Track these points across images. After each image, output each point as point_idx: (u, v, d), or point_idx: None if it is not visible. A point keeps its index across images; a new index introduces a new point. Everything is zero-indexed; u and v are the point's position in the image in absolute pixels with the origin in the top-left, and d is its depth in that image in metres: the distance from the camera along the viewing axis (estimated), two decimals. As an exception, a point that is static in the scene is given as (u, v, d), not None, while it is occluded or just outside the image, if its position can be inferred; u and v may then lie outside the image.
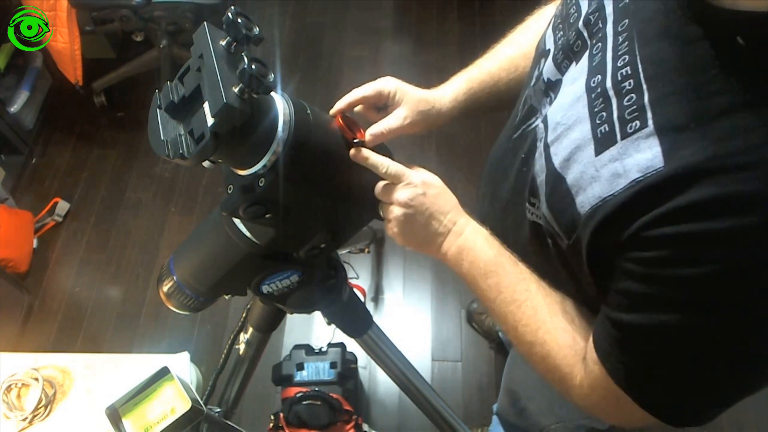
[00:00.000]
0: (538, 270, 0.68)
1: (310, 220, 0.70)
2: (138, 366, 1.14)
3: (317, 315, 0.94)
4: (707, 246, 0.45)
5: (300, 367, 1.44)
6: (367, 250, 1.98)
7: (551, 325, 0.64)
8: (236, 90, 0.51)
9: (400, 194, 0.68)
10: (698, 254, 0.46)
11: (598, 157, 0.53)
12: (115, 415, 0.84)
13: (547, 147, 0.61)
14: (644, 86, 0.50)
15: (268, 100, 0.59)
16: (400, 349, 1.07)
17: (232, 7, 0.55)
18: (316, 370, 1.44)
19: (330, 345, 1.49)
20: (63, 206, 2.19)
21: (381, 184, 0.70)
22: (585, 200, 0.54)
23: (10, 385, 1.10)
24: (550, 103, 0.65)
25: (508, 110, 0.83)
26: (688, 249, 0.46)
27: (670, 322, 0.49)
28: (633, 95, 0.51)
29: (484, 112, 0.83)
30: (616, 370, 0.56)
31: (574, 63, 0.62)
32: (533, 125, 0.69)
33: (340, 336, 1.11)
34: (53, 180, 2.30)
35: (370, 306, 1.94)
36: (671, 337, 0.50)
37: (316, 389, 1.36)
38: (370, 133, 0.71)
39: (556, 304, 0.65)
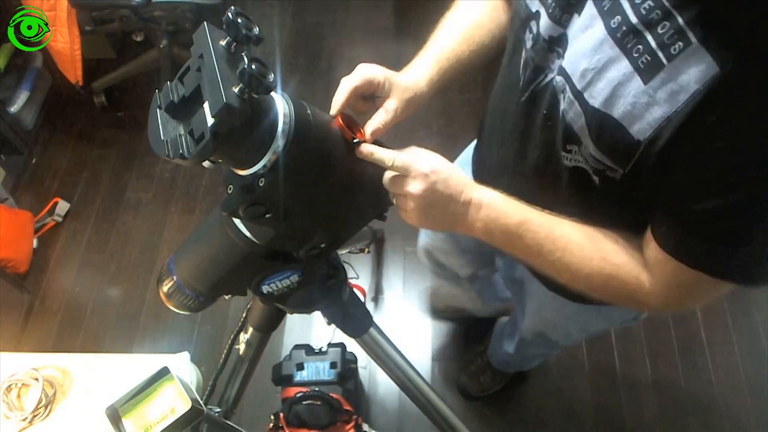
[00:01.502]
0: (578, 215, 0.72)
1: (310, 220, 0.69)
2: (138, 366, 1.14)
3: (317, 315, 0.94)
4: None
5: (300, 367, 1.44)
6: (367, 250, 1.98)
7: (602, 253, 0.69)
8: (236, 90, 0.51)
9: (413, 187, 0.69)
10: None
11: (648, 84, 0.57)
12: (115, 415, 0.84)
13: (579, 95, 0.64)
14: (674, 12, 0.55)
15: (268, 100, 0.59)
16: (400, 349, 1.07)
17: (232, 7, 0.55)
18: (316, 370, 1.44)
19: (330, 345, 1.49)
20: (63, 206, 2.19)
21: (388, 175, 0.71)
22: (643, 127, 0.58)
23: (10, 385, 1.10)
24: (559, 56, 0.68)
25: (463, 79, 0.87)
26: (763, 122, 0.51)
27: (759, 193, 0.55)
28: (666, 23, 0.56)
29: (447, 86, 0.85)
30: (695, 257, 0.61)
31: (576, 14, 0.65)
32: (544, 82, 0.72)
33: (340, 336, 1.11)
34: (53, 180, 2.30)
35: (370, 306, 1.95)
36: (758, 204, 0.56)
37: (316, 389, 1.36)
38: (370, 131, 0.71)
39: (595, 233, 0.70)
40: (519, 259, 0.76)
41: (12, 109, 2.22)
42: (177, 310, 0.80)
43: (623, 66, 0.59)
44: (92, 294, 2.05)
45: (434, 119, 2.36)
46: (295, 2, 2.78)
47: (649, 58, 0.57)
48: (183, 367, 1.12)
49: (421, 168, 0.68)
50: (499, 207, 0.71)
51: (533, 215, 0.71)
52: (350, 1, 2.76)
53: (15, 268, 2.00)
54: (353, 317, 0.99)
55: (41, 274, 2.08)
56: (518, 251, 0.73)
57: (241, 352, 1.00)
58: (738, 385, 1.80)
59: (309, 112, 0.63)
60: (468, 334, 1.91)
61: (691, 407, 1.78)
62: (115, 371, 1.14)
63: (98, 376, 1.14)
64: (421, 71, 0.81)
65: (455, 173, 0.71)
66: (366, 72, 0.74)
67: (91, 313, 2.00)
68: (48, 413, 1.09)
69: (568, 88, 0.66)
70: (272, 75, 0.53)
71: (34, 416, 1.08)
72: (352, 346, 1.25)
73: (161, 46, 2.18)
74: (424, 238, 1.35)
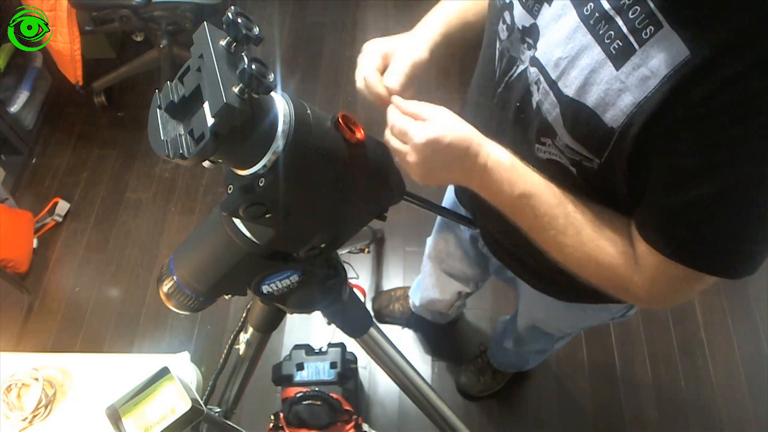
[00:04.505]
0: None
1: (310, 219, 0.69)
2: (138, 366, 1.14)
3: (317, 315, 0.94)
4: (754, 105, 0.50)
5: (300, 367, 1.44)
6: (367, 250, 1.98)
7: (598, 241, 0.68)
8: (236, 90, 0.51)
9: (410, 157, 0.67)
10: (748, 114, 0.51)
11: (620, 70, 0.57)
12: (115, 415, 0.84)
13: (553, 84, 0.64)
14: None
15: (268, 100, 0.59)
16: (400, 350, 1.07)
17: (232, 7, 0.55)
18: (316, 370, 1.44)
19: (330, 345, 1.49)
20: (63, 206, 2.19)
21: (389, 138, 0.70)
22: (616, 114, 0.58)
23: (10, 385, 1.10)
24: (530, 47, 0.68)
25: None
26: (739, 112, 0.51)
27: (735, 180, 0.54)
28: (636, 7, 0.55)
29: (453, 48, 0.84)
30: (679, 252, 0.61)
31: (546, 4, 0.65)
32: (516, 73, 0.71)
33: (340, 336, 1.11)
34: (53, 180, 2.30)
35: (370, 306, 1.95)
36: (737, 194, 0.56)
37: (316, 389, 1.36)
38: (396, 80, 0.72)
39: (596, 218, 0.69)
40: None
41: (12, 109, 2.22)
42: (177, 310, 0.80)
43: (596, 53, 0.59)
44: (92, 294, 2.05)
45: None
46: (295, 2, 2.78)
47: (620, 44, 0.57)
48: (183, 367, 1.12)
49: (418, 138, 0.66)
50: (503, 175, 0.69)
51: (538, 189, 0.69)
52: (350, 1, 2.76)
53: (15, 268, 2.00)
54: (353, 317, 0.99)
55: (41, 274, 2.08)
56: (515, 220, 0.72)
57: (241, 352, 0.99)
58: (738, 386, 1.81)
59: (309, 112, 0.63)
60: (468, 334, 1.91)
61: (691, 407, 1.78)
62: (115, 371, 1.14)
63: (98, 376, 1.14)
64: (428, 34, 0.81)
65: (458, 135, 0.67)
66: (413, 56, 0.74)
67: (91, 313, 2.00)
68: (48, 413, 1.09)
69: (542, 79, 0.66)
70: (272, 75, 0.53)
71: (34, 416, 1.08)
72: (352, 346, 1.25)
73: (161, 46, 2.18)
74: (433, 248, 1.35)
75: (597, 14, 0.59)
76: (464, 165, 0.68)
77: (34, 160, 2.35)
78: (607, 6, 0.58)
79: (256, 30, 0.56)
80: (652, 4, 0.55)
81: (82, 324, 1.98)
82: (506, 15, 0.71)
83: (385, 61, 0.74)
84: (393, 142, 0.69)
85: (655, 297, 0.69)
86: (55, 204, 2.19)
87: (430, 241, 1.36)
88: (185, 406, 0.81)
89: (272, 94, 0.60)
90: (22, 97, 2.26)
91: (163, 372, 0.85)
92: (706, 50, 0.51)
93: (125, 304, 2.02)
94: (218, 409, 0.93)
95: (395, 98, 0.70)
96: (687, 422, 1.76)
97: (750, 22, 0.50)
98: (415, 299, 1.67)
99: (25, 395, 1.10)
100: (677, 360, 1.85)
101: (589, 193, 0.70)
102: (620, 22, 0.57)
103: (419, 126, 0.67)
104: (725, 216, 0.58)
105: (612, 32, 0.57)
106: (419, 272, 1.55)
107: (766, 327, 1.90)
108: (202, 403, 0.84)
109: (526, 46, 0.69)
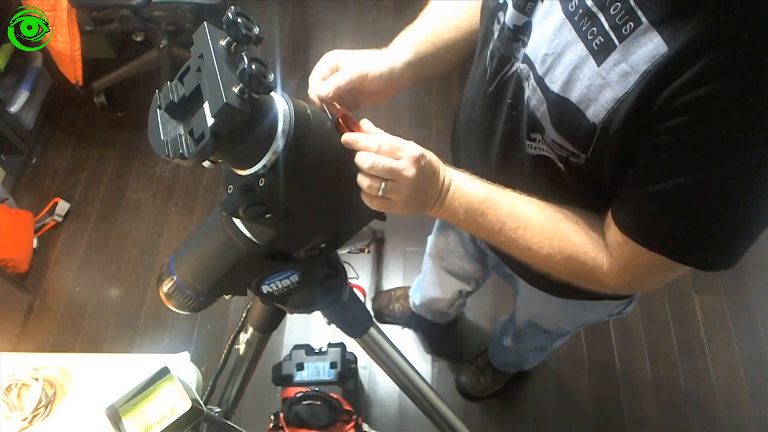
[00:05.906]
0: (543, 199, 0.73)
1: (311, 219, 0.69)
2: (138, 366, 1.14)
3: (317, 315, 0.94)
4: (727, 102, 0.51)
5: (300, 367, 1.44)
6: (367, 250, 1.98)
7: (562, 233, 0.70)
8: (236, 90, 0.51)
9: (407, 171, 0.64)
10: (724, 110, 0.52)
11: (601, 66, 0.58)
12: (115, 415, 0.85)
13: (540, 80, 0.65)
14: None
15: (268, 100, 0.59)
16: (400, 350, 1.07)
17: (232, 7, 0.55)
18: (316, 370, 1.44)
19: (330, 345, 1.49)
20: (63, 206, 2.20)
21: (379, 162, 0.64)
22: (598, 109, 0.59)
23: (10, 385, 1.10)
24: (524, 45, 0.69)
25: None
26: (715, 108, 0.52)
27: (710, 174, 0.55)
28: (617, 3, 0.56)
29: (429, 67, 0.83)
30: (654, 241, 0.62)
31: (539, 1, 0.66)
32: (511, 71, 0.72)
33: (340, 336, 1.11)
34: (53, 180, 2.30)
35: (370, 306, 1.95)
36: (711, 189, 0.57)
37: (316, 389, 1.36)
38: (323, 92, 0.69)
39: (556, 213, 0.71)
40: (484, 240, 0.75)
41: (12, 109, 2.22)
42: (177, 310, 0.80)
43: (579, 49, 0.60)
44: (92, 294, 2.05)
45: (434, 119, 2.36)
46: (295, 2, 2.78)
47: (602, 40, 0.58)
48: (183, 367, 1.11)
49: (413, 151, 0.64)
50: (464, 185, 0.71)
51: (496, 193, 0.71)
52: (350, 1, 2.76)
53: (15, 268, 2.00)
54: (353, 317, 0.99)
55: (41, 274, 2.08)
56: (481, 230, 0.72)
57: (241, 352, 1.00)
58: (738, 386, 1.81)
59: (309, 112, 0.63)
60: (468, 334, 1.91)
61: (691, 407, 1.78)
62: (115, 371, 1.14)
63: (98, 376, 1.13)
64: (399, 54, 0.80)
65: (433, 154, 0.68)
66: (361, 68, 0.72)
67: (91, 313, 2.00)
68: (48, 413, 1.09)
69: (531, 75, 0.67)
70: (272, 75, 0.53)
71: (34, 416, 1.08)
72: (352, 346, 1.25)
73: (161, 46, 2.18)
74: (434, 246, 1.34)
75: (581, 11, 0.60)
76: (438, 182, 0.69)
77: (34, 160, 2.35)
78: (589, 2, 0.59)
79: (256, 30, 0.56)
80: (632, 1, 0.55)
81: (82, 324, 1.98)
82: (500, 15, 0.72)
83: (333, 72, 0.72)
84: (383, 162, 0.63)
85: (627, 284, 0.70)
86: (55, 204, 2.19)
87: (431, 239, 1.36)
88: (185, 406, 0.81)
89: (272, 94, 0.60)
90: (22, 97, 2.26)
91: (163, 372, 0.85)
92: (682, 46, 0.52)
93: (125, 304, 2.02)
94: (218, 409, 0.93)
95: (366, 124, 0.68)
96: (687, 422, 1.76)
97: (724, 20, 0.50)
98: (415, 298, 1.67)
99: (25, 395, 1.10)
100: (677, 360, 1.85)
101: (578, 189, 0.71)
102: (602, 19, 0.58)
103: (406, 141, 0.65)
104: (700, 208, 0.59)
105: (594, 28, 0.58)
106: (419, 272, 1.55)
107: (766, 327, 1.90)
108: (202, 403, 0.84)
109: (520, 43, 0.70)
